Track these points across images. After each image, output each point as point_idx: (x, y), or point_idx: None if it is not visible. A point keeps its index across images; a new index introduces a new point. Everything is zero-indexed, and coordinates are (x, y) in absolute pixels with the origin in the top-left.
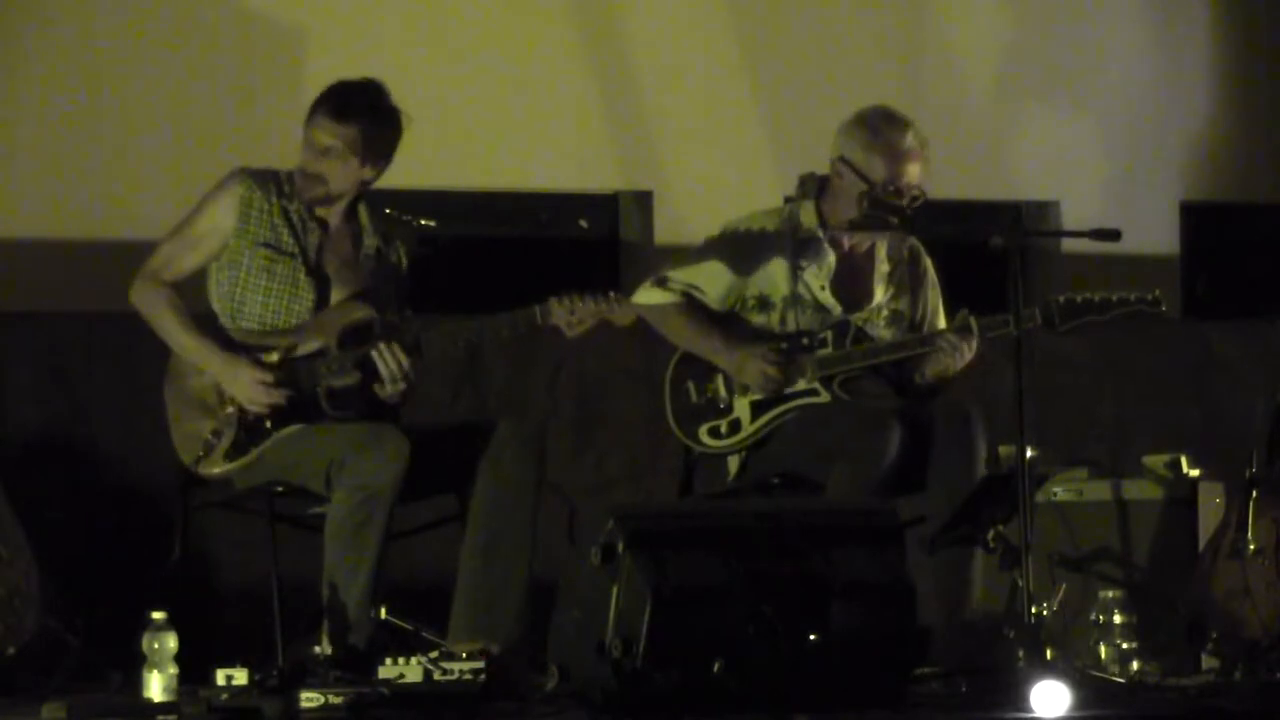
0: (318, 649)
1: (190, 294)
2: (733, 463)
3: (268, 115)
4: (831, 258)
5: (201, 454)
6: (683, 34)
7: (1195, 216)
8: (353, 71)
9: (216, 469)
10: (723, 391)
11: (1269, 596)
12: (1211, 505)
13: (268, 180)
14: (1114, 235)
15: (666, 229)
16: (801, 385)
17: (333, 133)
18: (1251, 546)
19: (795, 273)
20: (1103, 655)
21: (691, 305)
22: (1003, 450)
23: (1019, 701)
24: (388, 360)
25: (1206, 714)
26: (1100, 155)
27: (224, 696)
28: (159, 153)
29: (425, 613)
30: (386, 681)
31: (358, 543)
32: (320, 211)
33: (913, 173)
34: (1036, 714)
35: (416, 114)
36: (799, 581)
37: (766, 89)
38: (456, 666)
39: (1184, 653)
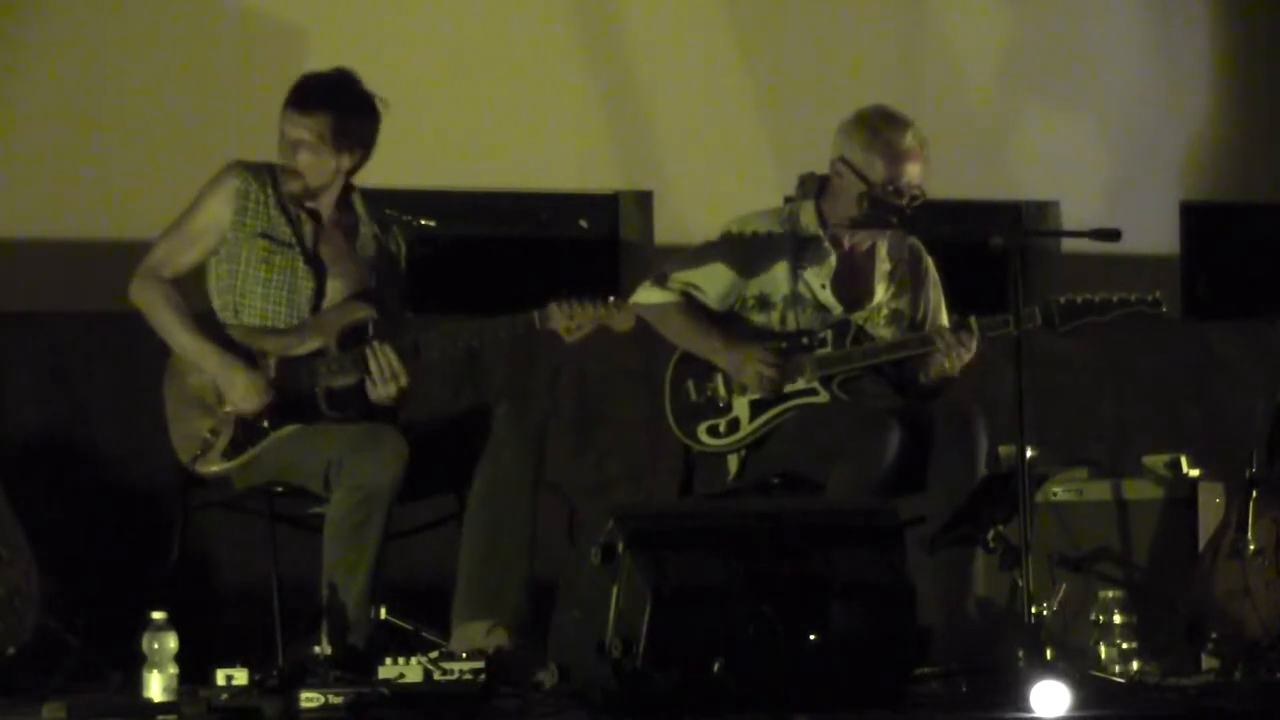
0: (318, 649)
1: (190, 291)
2: (732, 462)
3: (268, 115)
4: (832, 257)
5: (199, 453)
6: (683, 34)
7: (1195, 216)
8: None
9: (214, 468)
10: (722, 391)
11: (1269, 596)
12: (1211, 505)
13: (263, 172)
14: (1114, 235)
15: (666, 229)
16: (801, 385)
17: (299, 125)
18: (1251, 546)
19: (795, 272)
20: (1103, 655)
21: (691, 305)
22: (1003, 450)
23: (1019, 701)
24: (379, 359)
25: (1206, 714)
26: (1100, 155)
27: (224, 696)
28: (159, 153)
29: (425, 613)
30: (386, 681)
31: (356, 543)
32: (308, 203)
33: (912, 173)
34: (1036, 714)
35: (416, 114)
36: (799, 581)
37: (766, 89)
38: (456, 666)
39: (1184, 653)
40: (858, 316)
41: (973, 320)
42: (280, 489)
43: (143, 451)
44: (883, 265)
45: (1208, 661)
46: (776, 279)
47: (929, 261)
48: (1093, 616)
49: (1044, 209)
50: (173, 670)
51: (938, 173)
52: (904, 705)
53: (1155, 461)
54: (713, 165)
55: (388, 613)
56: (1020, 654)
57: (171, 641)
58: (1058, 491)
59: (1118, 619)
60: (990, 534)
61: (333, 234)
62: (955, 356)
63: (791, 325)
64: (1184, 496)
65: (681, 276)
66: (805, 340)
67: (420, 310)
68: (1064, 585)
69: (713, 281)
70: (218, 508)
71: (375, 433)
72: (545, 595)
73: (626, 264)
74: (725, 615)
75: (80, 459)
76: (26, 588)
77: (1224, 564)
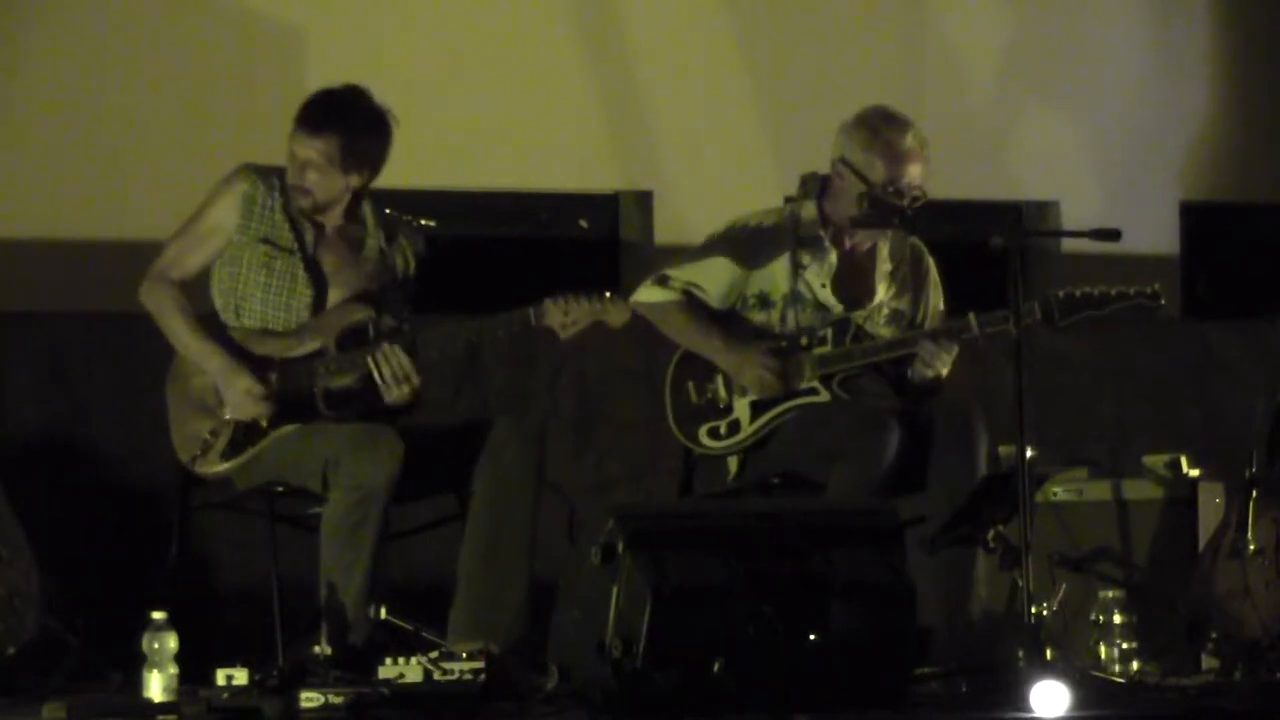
0: (317, 649)
1: (196, 294)
2: (732, 463)
3: (268, 115)
4: (833, 256)
5: (199, 453)
6: (683, 34)
7: (1195, 216)
8: (352, 71)
9: (213, 468)
10: (722, 392)
11: (1269, 596)
12: (1211, 505)
13: (271, 177)
14: (1114, 235)
15: (666, 229)
16: (801, 384)
17: (309, 146)
18: (1251, 546)
19: (796, 271)
20: (1103, 655)
21: (692, 304)
22: (1003, 450)
23: (1019, 701)
24: (390, 362)
25: (1206, 714)
26: (1100, 155)
27: (224, 696)
28: (159, 153)
29: (425, 613)
30: (386, 681)
31: (354, 543)
32: (317, 217)
33: (913, 173)
34: (1036, 714)
35: (416, 114)
36: (799, 581)
37: (766, 89)
38: (456, 666)
39: (1184, 653)
40: (858, 316)
41: (971, 317)
42: (280, 489)
43: (143, 451)
44: (883, 265)
45: (1208, 661)
46: (777, 278)
47: (930, 262)
48: (1093, 616)
49: (1044, 209)
50: (173, 670)
51: (938, 173)
52: (904, 705)
53: (1155, 461)
54: (713, 165)
55: (388, 613)
56: (1020, 654)
57: (171, 641)
58: (1058, 491)
59: (1118, 619)
60: (990, 534)
61: (335, 243)
62: (936, 364)
63: (791, 324)
64: (1184, 496)
65: (683, 275)
66: (805, 340)
67: (420, 310)
68: (1064, 585)
69: (714, 280)
70: (217, 508)
71: (371, 432)
72: (545, 595)
73: (626, 264)
74: (725, 615)
75: (80, 459)
76: (26, 588)
77: (1224, 564)
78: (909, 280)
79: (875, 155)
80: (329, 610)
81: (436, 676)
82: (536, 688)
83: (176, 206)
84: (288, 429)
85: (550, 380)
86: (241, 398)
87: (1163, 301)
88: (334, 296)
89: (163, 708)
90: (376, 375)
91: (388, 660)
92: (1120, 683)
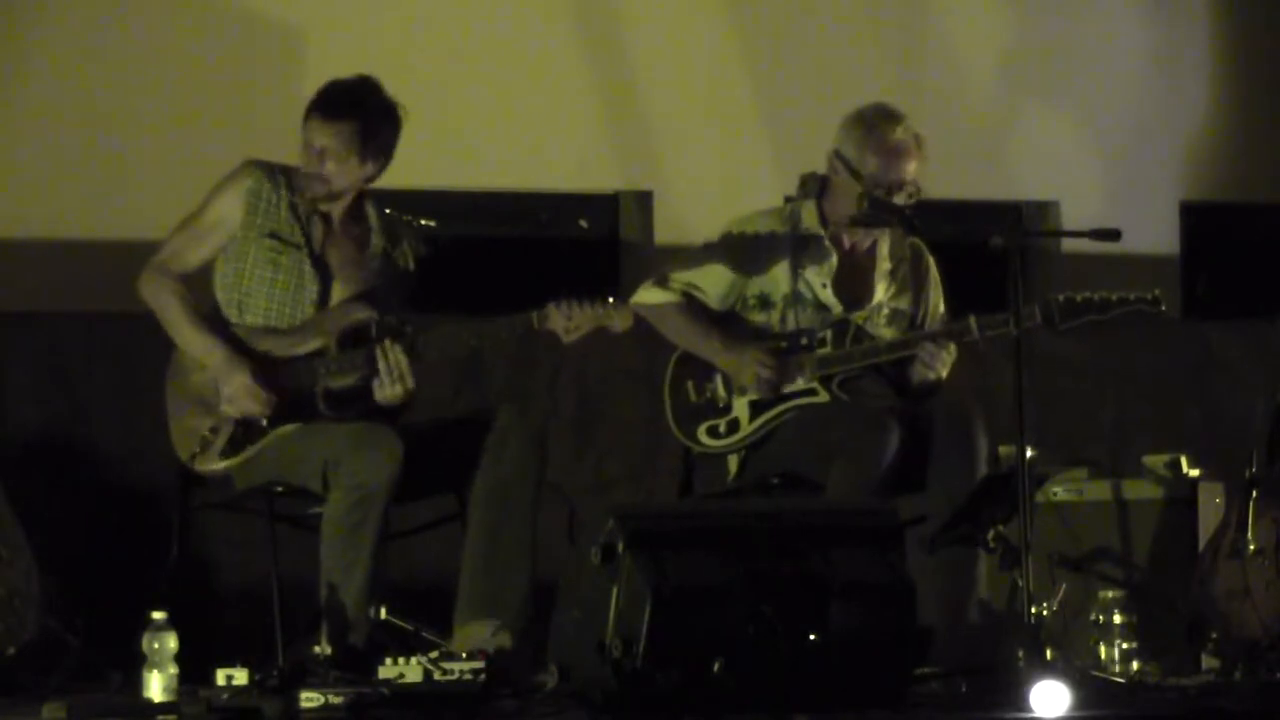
0: (318, 649)
1: (198, 286)
2: (732, 462)
3: (268, 115)
4: (833, 257)
5: (198, 450)
6: (683, 34)
7: (1195, 216)
8: (352, 71)
9: (212, 466)
10: (721, 391)
11: (1269, 596)
12: (1211, 505)
13: (276, 172)
14: (1114, 235)
15: (666, 229)
16: (800, 385)
17: (326, 132)
18: (1251, 546)
19: (796, 272)
20: (1103, 655)
21: (692, 305)
22: (1003, 450)
23: (1019, 701)
24: (389, 358)
25: (1206, 714)
26: (1100, 155)
27: (224, 696)
28: (159, 153)
29: (425, 613)
30: (386, 681)
31: (354, 542)
32: (324, 206)
33: (906, 168)
34: (1036, 714)
35: (416, 114)
36: (799, 581)
37: (766, 89)
38: (456, 666)
39: (1184, 653)
40: (858, 316)
41: (971, 319)
42: (280, 489)
43: (143, 451)
44: (883, 265)
45: (1208, 661)
46: (777, 278)
47: (930, 261)
48: (1093, 616)
49: (1044, 209)
50: (173, 670)
51: (938, 173)
52: (904, 705)
53: (1155, 461)
54: (713, 165)
55: (388, 613)
56: (1020, 654)
57: (171, 641)
58: (1058, 491)
59: (1118, 619)
60: (990, 534)
61: (342, 239)
62: (936, 366)
63: (791, 325)
64: (1184, 496)
65: (682, 277)
66: (804, 341)
67: (420, 310)
68: (1064, 585)
69: (714, 281)
70: (217, 508)
71: (372, 432)
72: (545, 595)
73: (626, 264)
74: (725, 615)
75: (80, 459)
76: (26, 588)
77: (1224, 564)
78: (909, 280)
79: (868, 149)
80: (329, 610)
81: (436, 676)
82: (536, 688)
83: (176, 206)
84: (288, 428)
85: (550, 380)
86: (241, 394)
87: (1163, 307)
88: (339, 293)
89: (163, 708)
90: (379, 367)
91: (388, 660)
92: (1120, 683)
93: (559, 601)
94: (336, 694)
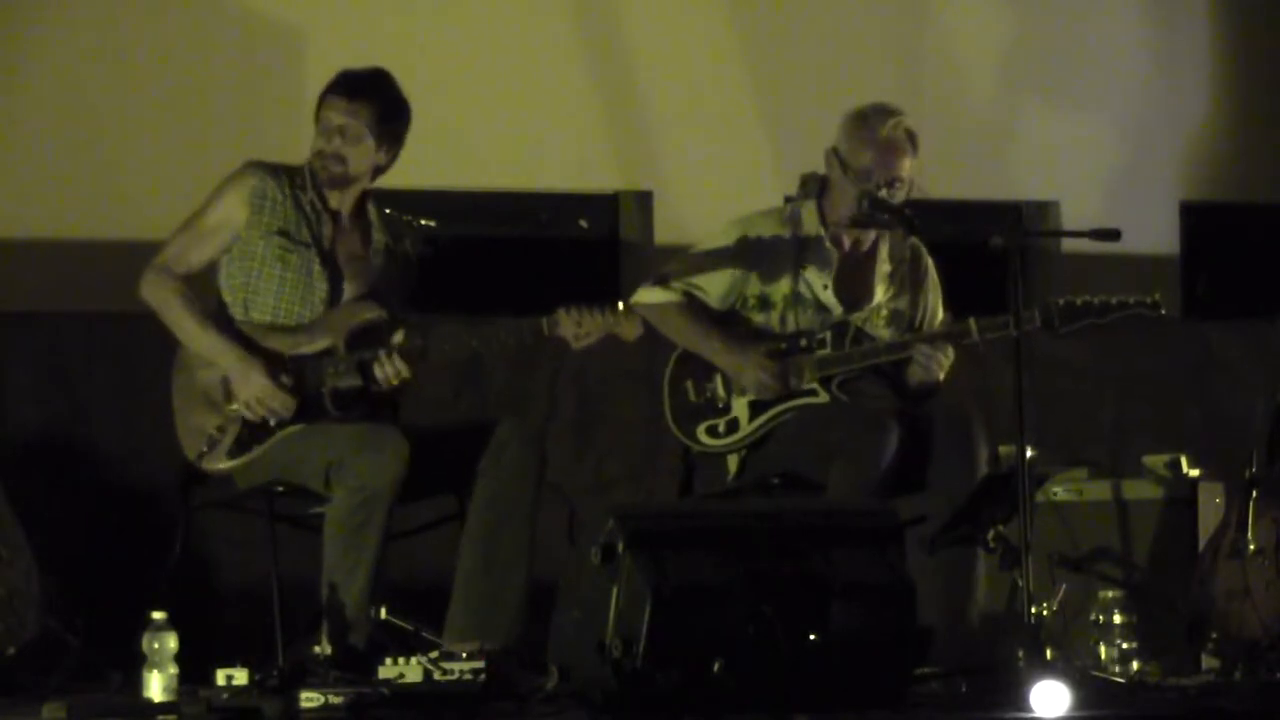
0: (318, 649)
1: (199, 286)
2: (732, 463)
3: (268, 115)
4: (835, 258)
5: (204, 449)
6: (683, 34)
7: (1195, 216)
8: None
9: (218, 465)
10: (721, 391)
11: (1269, 596)
12: (1211, 505)
13: (280, 172)
14: (1114, 235)
15: (666, 229)
16: (800, 386)
17: (347, 111)
18: (1251, 546)
19: (797, 273)
20: (1103, 655)
21: (692, 305)
22: (1003, 450)
23: (1019, 701)
24: (386, 368)
25: (1206, 714)
26: (1100, 155)
27: (224, 696)
28: (159, 153)
29: (425, 613)
30: (386, 681)
31: (357, 543)
32: (333, 203)
33: (899, 163)
34: (1036, 714)
35: (417, 113)
36: (799, 581)
37: (766, 89)
38: (456, 666)
39: (1184, 653)
40: (857, 317)
41: (971, 322)
42: (281, 489)
43: (143, 451)
44: (883, 266)
45: (1208, 661)
46: (778, 279)
47: (929, 262)
48: (1093, 616)
49: (1044, 209)
50: (173, 670)
51: (938, 173)
52: (904, 705)
53: (1155, 461)
54: (713, 165)
55: (388, 613)
56: (1020, 654)
57: (171, 641)
58: (1058, 491)
59: (1118, 619)
60: (990, 534)
61: (349, 236)
62: (933, 368)
63: (791, 325)
64: (1184, 496)
65: (683, 276)
66: (804, 342)
67: (421, 310)
68: (1064, 585)
69: (714, 282)
70: (218, 507)
71: (377, 433)
72: (545, 595)
73: (626, 264)
74: (725, 615)
75: (80, 459)
76: (26, 588)
77: (1224, 564)
78: (907, 281)
79: (860, 144)
80: (330, 610)
81: (436, 676)
82: (536, 688)
83: (176, 206)
84: (293, 429)
85: (550, 381)
86: (264, 396)
87: (1163, 311)
88: (347, 290)
89: (163, 708)
90: (375, 374)
91: (388, 660)
92: (1120, 683)
93: (559, 601)
94: (336, 694)
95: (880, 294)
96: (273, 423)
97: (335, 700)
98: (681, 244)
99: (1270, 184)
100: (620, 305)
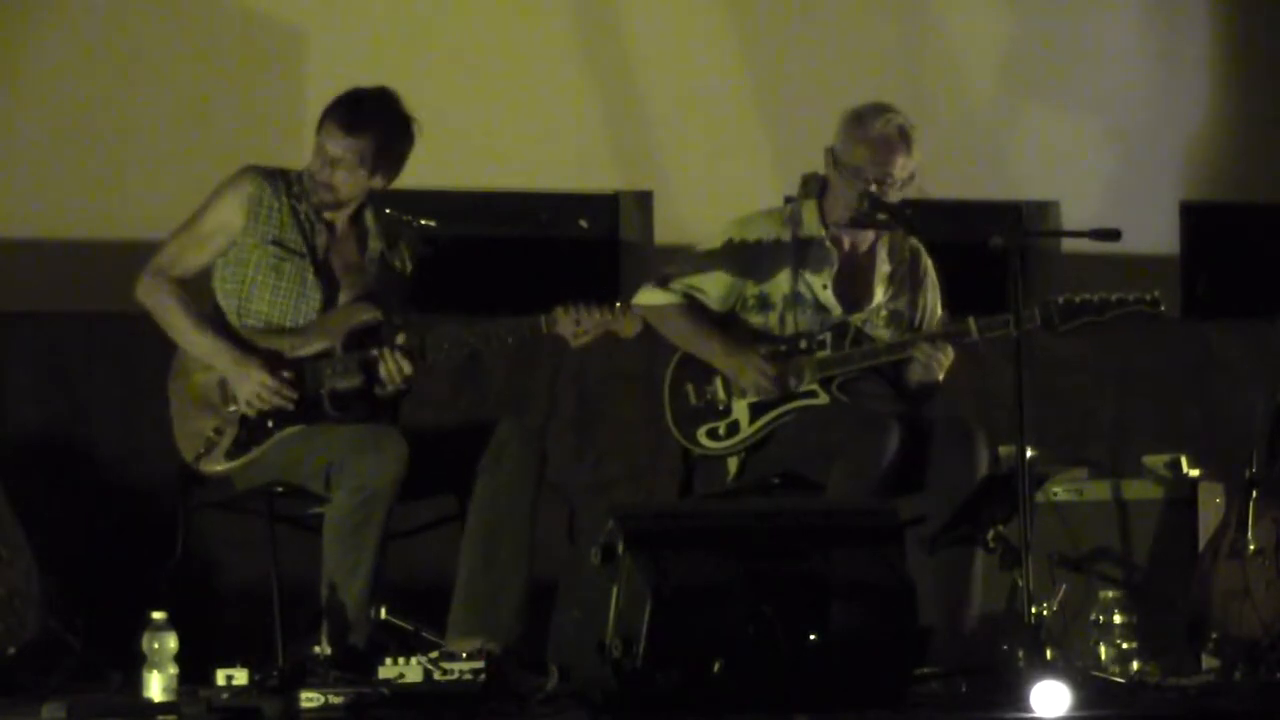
0: (318, 649)
1: (194, 290)
2: (732, 463)
3: (268, 116)
4: (834, 258)
5: (202, 451)
6: (683, 34)
7: (1195, 216)
8: (353, 72)
9: (217, 467)
10: (721, 394)
11: (1269, 596)
12: (1211, 505)
13: (277, 178)
14: (1114, 235)
15: (666, 229)
16: (800, 387)
17: (342, 144)
18: (1251, 547)
19: (797, 273)
20: (1103, 655)
21: (692, 306)
22: (1003, 450)
23: (1019, 701)
24: (389, 366)
25: (1206, 714)
26: (1100, 155)
27: (224, 696)
28: (159, 153)
29: (425, 613)
30: (386, 681)
31: (356, 543)
32: (328, 214)
33: (893, 160)
34: (1036, 714)
35: (417, 114)
36: (799, 581)
37: (766, 89)
38: (456, 666)
39: (1184, 653)
40: (857, 318)
41: (971, 321)
42: (280, 489)
43: (143, 451)
44: (883, 267)
45: (1208, 661)
46: (778, 280)
47: (929, 263)
48: (1093, 616)
49: (1044, 209)
50: (173, 670)
51: (938, 173)
52: (904, 705)
53: (1155, 461)
54: (713, 165)
55: (388, 613)
56: (1020, 654)
57: (171, 641)
58: (1058, 491)
59: (1118, 619)
60: (990, 534)
61: (343, 245)
62: (934, 367)
63: (790, 326)
64: (1184, 496)
65: (683, 278)
66: (804, 344)
67: (421, 310)
68: (1064, 585)
69: (714, 283)
70: (218, 508)
71: (376, 434)
72: (545, 595)
73: (626, 264)
74: (725, 615)
75: (80, 459)
76: (26, 588)
77: (1224, 564)
78: (906, 282)
79: (854, 141)
80: (330, 610)
81: (436, 676)
82: (536, 688)
83: (176, 206)
84: (292, 430)
85: (550, 380)
86: (256, 391)
87: (1162, 308)
88: (343, 298)
89: (163, 708)
90: (380, 373)
91: (388, 660)
92: (1120, 683)
93: (559, 601)
94: (336, 694)
95: (880, 295)
96: (270, 423)
97: (335, 700)
98: (681, 244)
99: (1270, 184)
100: (618, 303)
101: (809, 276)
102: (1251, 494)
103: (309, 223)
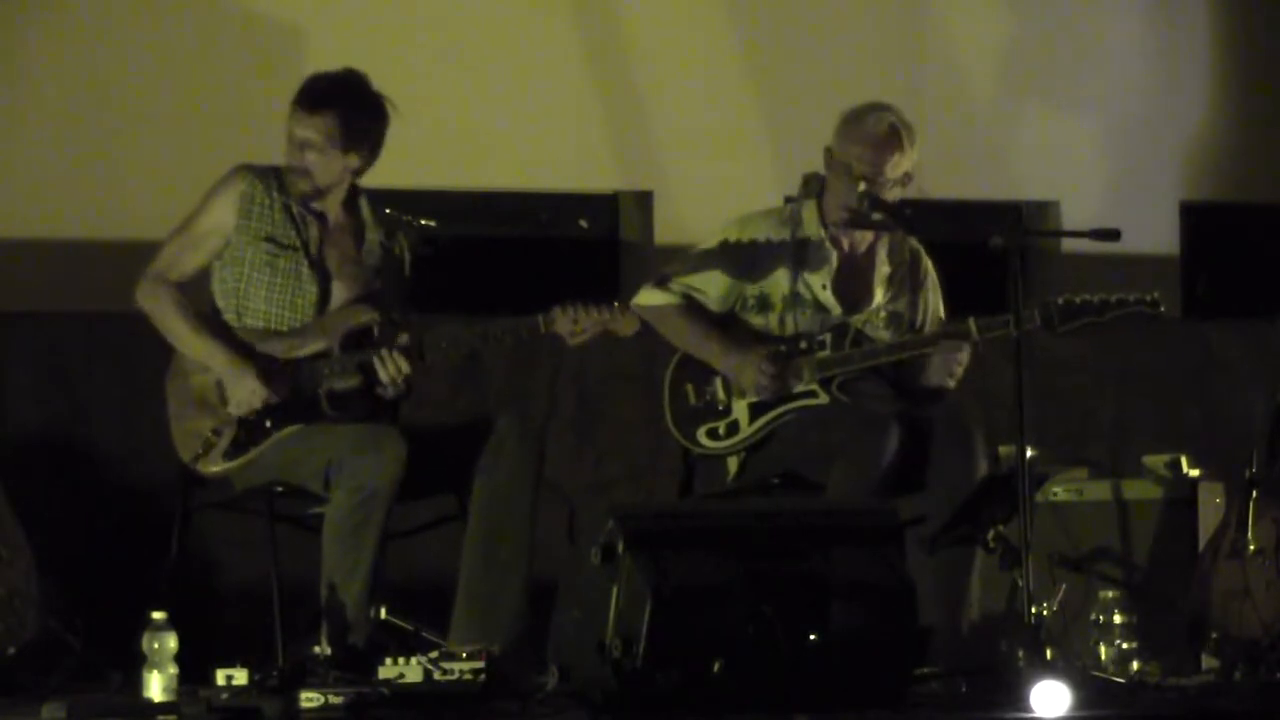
0: (317, 649)
1: (193, 292)
2: (732, 463)
3: (268, 115)
4: (834, 259)
5: (201, 452)
6: (683, 34)
7: (1195, 216)
8: None
9: (215, 467)
10: (721, 394)
11: (1269, 596)
12: (1211, 505)
13: (269, 175)
14: (1114, 235)
15: (666, 229)
16: (800, 387)
17: (307, 125)
18: (1251, 547)
19: (796, 274)
20: (1103, 655)
21: (692, 307)
22: (1003, 450)
23: (1019, 701)
24: (388, 366)
25: (1206, 714)
26: (1100, 155)
27: (224, 696)
28: (159, 153)
29: (425, 613)
30: (386, 681)
31: (356, 543)
32: (317, 205)
33: (889, 158)
34: (1036, 714)
35: (416, 113)
36: (799, 581)
37: (766, 89)
38: (456, 666)
39: (1184, 653)
40: (856, 319)
41: (971, 322)
42: (280, 489)
43: (143, 451)
44: (883, 268)
45: (1208, 661)
46: (777, 280)
47: (929, 264)
48: (1093, 616)
49: (1044, 209)
50: (173, 670)
51: (938, 173)
52: (904, 705)
53: (1155, 461)
54: (713, 165)
55: (388, 613)
56: (1020, 654)
57: (171, 641)
58: (1058, 491)
59: (1118, 619)
60: (990, 534)
61: (338, 238)
62: (957, 368)
63: (790, 327)
64: (1184, 496)
65: (683, 278)
66: (804, 344)
67: (421, 310)
68: (1064, 585)
69: (714, 284)
70: (218, 508)
71: (375, 433)
72: (545, 595)
73: (626, 264)
74: (725, 615)
75: (80, 459)
76: (26, 588)
77: (1224, 564)
78: (906, 283)
79: (849, 140)
80: (330, 610)
81: (436, 676)
82: (536, 688)
83: (176, 206)
84: (291, 430)
85: (550, 380)
86: (247, 393)
87: (1162, 309)
88: (339, 292)
89: (163, 708)
90: (379, 374)
91: (388, 660)
92: (1120, 683)
93: (559, 601)
94: (336, 694)
95: (880, 296)
96: (269, 423)
97: (335, 700)
98: (681, 244)
99: (1270, 184)
100: (616, 303)
101: (808, 276)
102: (1251, 494)
103: (300, 216)
